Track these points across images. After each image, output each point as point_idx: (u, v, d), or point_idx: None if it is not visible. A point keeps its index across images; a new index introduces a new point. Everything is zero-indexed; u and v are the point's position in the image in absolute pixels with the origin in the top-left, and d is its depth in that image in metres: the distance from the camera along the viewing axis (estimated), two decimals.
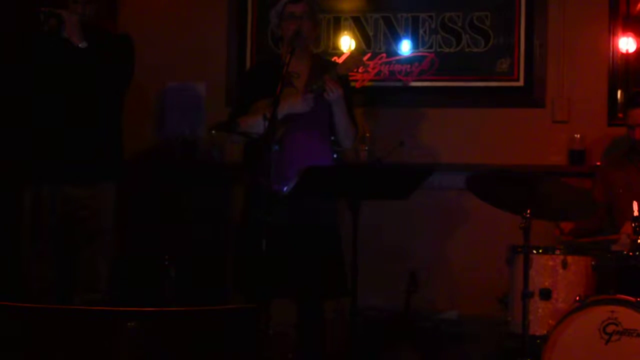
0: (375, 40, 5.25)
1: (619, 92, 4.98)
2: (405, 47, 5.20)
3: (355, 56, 4.26)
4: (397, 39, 5.22)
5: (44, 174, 4.03)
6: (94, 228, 4.09)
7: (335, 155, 4.38)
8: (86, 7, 4.05)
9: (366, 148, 5.07)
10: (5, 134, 4.44)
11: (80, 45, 3.94)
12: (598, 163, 4.87)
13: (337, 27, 5.29)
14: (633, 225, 3.89)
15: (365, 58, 5.12)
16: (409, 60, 5.20)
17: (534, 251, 3.99)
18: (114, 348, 2.39)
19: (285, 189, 3.68)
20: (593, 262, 3.99)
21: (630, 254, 3.90)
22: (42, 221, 4.04)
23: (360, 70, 4.78)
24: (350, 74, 4.37)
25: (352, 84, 4.49)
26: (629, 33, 4.95)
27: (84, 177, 4.05)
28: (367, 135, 5.10)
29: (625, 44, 4.95)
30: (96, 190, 4.09)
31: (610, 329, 3.73)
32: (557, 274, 3.98)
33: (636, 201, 3.89)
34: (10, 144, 4.34)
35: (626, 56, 4.97)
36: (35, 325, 2.43)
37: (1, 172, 4.54)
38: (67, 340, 2.38)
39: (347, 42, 5.25)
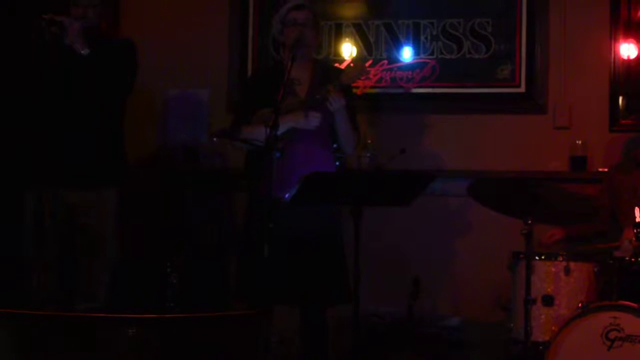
0: (376, 47, 5.26)
1: (620, 98, 4.98)
2: (406, 54, 5.20)
3: (358, 66, 4.26)
4: (398, 45, 5.22)
5: (45, 179, 4.03)
6: (96, 234, 4.08)
7: (337, 162, 4.38)
8: (88, 10, 4.04)
9: (368, 154, 5.07)
10: (8, 139, 4.44)
11: (82, 52, 3.94)
12: (600, 169, 4.87)
13: (338, 34, 5.29)
14: (635, 231, 3.89)
15: (366, 65, 5.12)
16: (410, 67, 5.20)
17: (537, 257, 3.99)
18: (115, 355, 2.38)
19: (287, 195, 3.68)
20: (595, 269, 3.98)
21: (633, 260, 3.90)
22: (43, 227, 4.03)
23: (362, 77, 4.78)
24: None
25: (354, 90, 4.49)
26: (631, 39, 4.95)
27: (85, 183, 4.05)
28: (369, 141, 5.10)
29: (627, 50, 4.95)
30: (98, 196, 4.08)
31: (612, 335, 3.72)
32: (560, 280, 3.98)
33: (638, 207, 3.89)
34: (13, 149, 4.34)
35: (627, 62, 4.96)
36: (35, 332, 2.43)
37: (3, 177, 4.54)
38: (67, 347, 2.38)
39: (348, 49, 5.26)
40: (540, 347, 3.86)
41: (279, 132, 3.70)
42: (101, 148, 4.08)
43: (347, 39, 5.28)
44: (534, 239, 3.88)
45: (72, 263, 4.09)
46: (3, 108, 4.60)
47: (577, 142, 4.98)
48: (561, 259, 4.00)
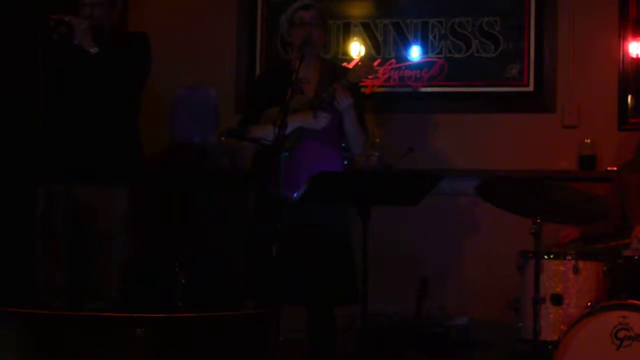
0: (384, 46, 5.26)
1: (629, 97, 4.97)
2: (414, 53, 5.20)
3: (366, 64, 4.26)
4: (406, 44, 5.22)
5: (56, 176, 4.04)
6: (106, 232, 4.09)
7: (345, 162, 4.38)
8: (94, 9, 4.06)
9: (376, 154, 5.07)
10: (21, 136, 4.45)
11: (91, 50, 3.95)
12: (608, 168, 4.86)
13: (346, 33, 5.29)
14: None
15: (375, 64, 5.12)
16: (418, 66, 5.20)
17: (545, 256, 3.99)
18: (124, 355, 2.39)
19: (295, 195, 3.69)
20: (604, 268, 3.98)
21: None
22: (53, 223, 4.04)
23: (370, 76, 4.79)
24: None
25: (362, 89, 4.49)
26: (639, 38, 4.94)
27: (96, 180, 4.06)
28: (377, 141, 5.10)
29: (636, 48, 4.94)
30: (108, 194, 4.09)
31: (621, 334, 3.72)
32: (568, 280, 3.98)
33: None
34: (25, 146, 4.35)
35: (636, 61, 4.95)
36: (43, 332, 2.43)
37: (15, 173, 4.55)
38: (76, 346, 2.38)
39: (356, 48, 5.26)
40: (549, 347, 3.86)
41: (287, 132, 3.70)
42: (113, 145, 4.09)
43: (355, 38, 5.28)
44: (545, 238, 3.87)
45: (82, 261, 4.10)
46: (15, 106, 4.61)
47: (586, 141, 4.97)
48: (570, 258, 3.99)
